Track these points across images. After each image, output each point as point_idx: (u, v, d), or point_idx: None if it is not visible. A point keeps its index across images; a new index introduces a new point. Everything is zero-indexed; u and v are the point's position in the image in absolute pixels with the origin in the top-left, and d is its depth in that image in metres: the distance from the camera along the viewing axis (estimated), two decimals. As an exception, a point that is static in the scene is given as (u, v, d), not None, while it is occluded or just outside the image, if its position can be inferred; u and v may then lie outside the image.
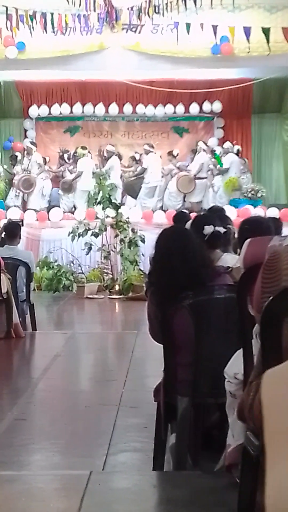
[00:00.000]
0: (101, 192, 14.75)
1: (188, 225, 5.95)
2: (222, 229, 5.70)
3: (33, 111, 19.02)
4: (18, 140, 19.30)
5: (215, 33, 15.84)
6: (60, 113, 19.06)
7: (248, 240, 3.98)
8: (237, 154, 17.99)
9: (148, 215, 16.26)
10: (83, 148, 18.02)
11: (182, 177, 17.57)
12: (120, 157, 18.18)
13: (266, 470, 1.27)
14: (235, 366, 3.76)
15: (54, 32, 16.01)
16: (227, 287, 4.29)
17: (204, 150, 18.10)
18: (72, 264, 14.69)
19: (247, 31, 15.79)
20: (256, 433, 2.44)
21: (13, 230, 9.99)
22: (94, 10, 15.86)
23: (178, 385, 4.22)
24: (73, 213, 16.63)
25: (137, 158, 18.50)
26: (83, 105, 18.83)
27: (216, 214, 7.70)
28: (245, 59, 16.20)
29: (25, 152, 18.28)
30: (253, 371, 2.77)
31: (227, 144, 18.07)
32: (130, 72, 17.28)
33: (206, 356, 4.22)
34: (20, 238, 10.18)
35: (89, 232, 14.45)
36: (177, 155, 18.51)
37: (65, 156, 18.73)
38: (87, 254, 14.52)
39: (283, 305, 2.45)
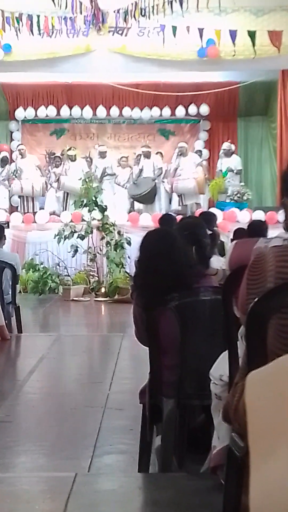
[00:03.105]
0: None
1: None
2: (208, 232, 5.69)
3: (19, 113, 19.00)
4: (4, 143, 19.26)
5: (201, 36, 15.89)
6: (47, 116, 19.06)
7: (234, 242, 4.00)
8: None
9: (134, 217, 16.26)
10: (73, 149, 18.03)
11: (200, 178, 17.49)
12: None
13: (250, 473, 1.27)
14: (220, 368, 3.76)
15: (40, 34, 16.00)
16: (213, 289, 4.30)
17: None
18: (58, 267, 14.69)
19: (233, 34, 15.84)
20: (241, 434, 2.45)
21: (-3, 232, 9.96)
22: (81, 13, 15.87)
23: (164, 387, 4.23)
24: (59, 215, 16.61)
25: (124, 161, 18.54)
26: (70, 107, 18.83)
27: (204, 218, 7.72)
28: (231, 62, 16.25)
29: (19, 154, 18.16)
30: (238, 372, 2.78)
31: (227, 145, 18.03)
32: (117, 75, 17.27)
33: (191, 358, 4.23)
34: (5, 239, 10.15)
35: (75, 235, 14.45)
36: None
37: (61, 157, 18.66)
38: (73, 256, 14.51)
39: (268, 307, 2.45)
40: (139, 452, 4.42)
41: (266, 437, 1.22)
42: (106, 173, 17.73)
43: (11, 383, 7.13)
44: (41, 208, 17.41)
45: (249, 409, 1.25)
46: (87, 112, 18.81)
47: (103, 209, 14.74)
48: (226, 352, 3.60)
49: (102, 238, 14.73)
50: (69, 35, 16.15)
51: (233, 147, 18.16)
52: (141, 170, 17.62)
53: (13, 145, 19.23)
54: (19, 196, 17.71)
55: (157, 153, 18.39)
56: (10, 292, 9.51)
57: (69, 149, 17.92)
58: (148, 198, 17.40)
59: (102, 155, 18.01)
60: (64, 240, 14.45)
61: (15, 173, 17.58)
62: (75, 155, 17.81)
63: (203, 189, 17.35)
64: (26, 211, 17.29)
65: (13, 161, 18.28)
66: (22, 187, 17.38)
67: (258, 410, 1.24)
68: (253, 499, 1.19)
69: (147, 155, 17.77)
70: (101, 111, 18.81)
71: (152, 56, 16.35)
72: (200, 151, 18.47)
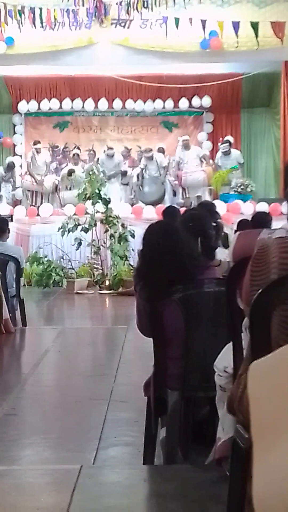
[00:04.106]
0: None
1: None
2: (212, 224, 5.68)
3: (22, 106, 18.98)
4: (8, 136, 19.27)
5: (204, 27, 15.89)
6: (50, 109, 19.04)
7: (237, 233, 3.99)
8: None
9: (138, 210, 16.25)
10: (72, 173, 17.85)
11: (209, 170, 17.58)
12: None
13: (253, 463, 1.26)
14: (224, 359, 3.76)
15: (43, 27, 16.02)
16: (217, 281, 4.29)
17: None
18: (62, 260, 14.69)
19: (236, 25, 15.84)
20: (246, 426, 2.44)
21: (1, 225, 9.97)
22: (83, 5, 15.86)
23: (168, 379, 4.23)
24: (62, 208, 16.63)
25: (124, 154, 18.55)
26: (72, 100, 18.78)
27: (206, 209, 7.71)
28: (234, 54, 16.24)
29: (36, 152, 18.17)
30: (243, 364, 2.77)
31: (223, 146, 18.03)
32: (119, 67, 17.25)
33: (195, 350, 4.23)
34: (9, 233, 10.16)
35: (79, 228, 14.46)
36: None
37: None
38: (77, 249, 14.53)
39: (272, 298, 2.45)
40: (144, 444, 4.42)
41: (269, 427, 1.21)
42: (118, 174, 17.75)
43: (16, 376, 7.15)
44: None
45: (251, 399, 1.24)
46: (90, 104, 18.77)
47: (106, 202, 14.73)
48: (230, 343, 3.59)
49: (106, 230, 14.74)
50: (71, 27, 16.17)
51: (231, 139, 18.18)
52: (143, 169, 17.57)
53: (15, 139, 19.25)
54: (28, 190, 17.79)
55: (158, 148, 18.35)
56: (14, 286, 9.53)
57: (70, 174, 17.66)
58: (158, 201, 17.43)
59: (110, 156, 17.90)
60: (68, 233, 14.45)
61: (29, 167, 17.71)
62: (75, 177, 17.65)
63: (212, 181, 17.46)
64: (33, 204, 17.35)
65: (17, 155, 18.35)
66: (33, 183, 17.50)
67: (261, 399, 1.23)
68: (256, 489, 1.18)
69: (150, 158, 17.65)
70: (104, 104, 18.77)
71: (155, 48, 16.35)
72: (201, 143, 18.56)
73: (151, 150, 17.80)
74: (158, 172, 17.58)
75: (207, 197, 17.26)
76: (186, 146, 17.84)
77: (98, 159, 18.15)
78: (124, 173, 17.94)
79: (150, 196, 17.40)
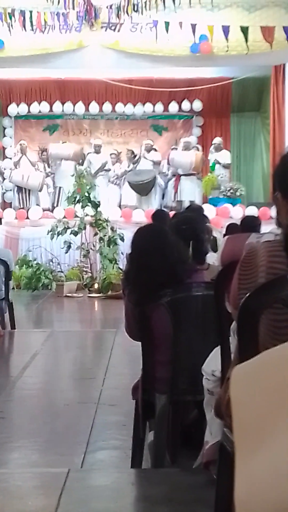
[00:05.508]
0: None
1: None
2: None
3: (12, 109, 18.98)
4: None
5: (194, 32, 15.89)
6: (39, 112, 19.03)
7: (226, 237, 3.99)
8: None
9: (127, 213, 16.26)
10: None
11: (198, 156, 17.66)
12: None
13: (236, 468, 1.27)
14: (212, 363, 3.76)
15: (33, 30, 15.99)
16: (205, 285, 4.29)
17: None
18: (51, 263, 14.69)
19: (226, 30, 15.84)
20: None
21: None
22: (73, 8, 15.84)
23: (156, 383, 4.22)
24: (52, 211, 16.61)
25: (114, 158, 18.59)
26: (63, 103, 18.81)
27: (195, 213, 7.72)
28: (224, 58, 16.26)
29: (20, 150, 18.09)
30: (230, 368, 2.78)
31: (218, 140, 18.13)
32: (109, 71, 17.28)
33: (184, 354, 4.23)
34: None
35: (68, 231, 14.44)
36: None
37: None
38: (66, 252, 14.51)
39: (260, 302, 2.45)
40: (132, 448, 4.42)
41: (251, 431, 1.21)
42: (103, 169, 17.76)
43: (4, 379, 7.13)
44: (37, 204, 17.33)
45: (234, 403, 1.24)
46: (80, 108, 18.79)
47: (96, 205, 14.73)
48: (218, 347, 3.59)
49: (95, 234, 14.73)
50: (61, 30, 16.14)
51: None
52: (137, 162, 17.63)
53: (5, 142, 19.24)
54: (18, 187, 17.65)
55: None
56: (3, 288, 9.52)
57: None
58: (146, 187, 17.37)
59: (97, 149, 17.98)
60: (57, 236, 14.45)
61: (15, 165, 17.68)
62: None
63: (198, 168, 17.43)
64: (21, 205, 17.27)
65: (7, 158, 18.32)
66: (23, 175, 17.30)
67: (243, 404, 1.23)
68: (238, 494, 1.18)
69: (148, 150, 17.74)
70: (94, 107, 18.80)
71: (145, 52, 16.34)
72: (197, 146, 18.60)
73: (152, 141, 18.13)
74: (152, 166, 17.68)
75: (198, 200, 17.30)
76: (187, 148, 17.89)
77: (85, 155, 18.25)
78: (107, 170, 17.97)
79: (140, 177, 17.35)
